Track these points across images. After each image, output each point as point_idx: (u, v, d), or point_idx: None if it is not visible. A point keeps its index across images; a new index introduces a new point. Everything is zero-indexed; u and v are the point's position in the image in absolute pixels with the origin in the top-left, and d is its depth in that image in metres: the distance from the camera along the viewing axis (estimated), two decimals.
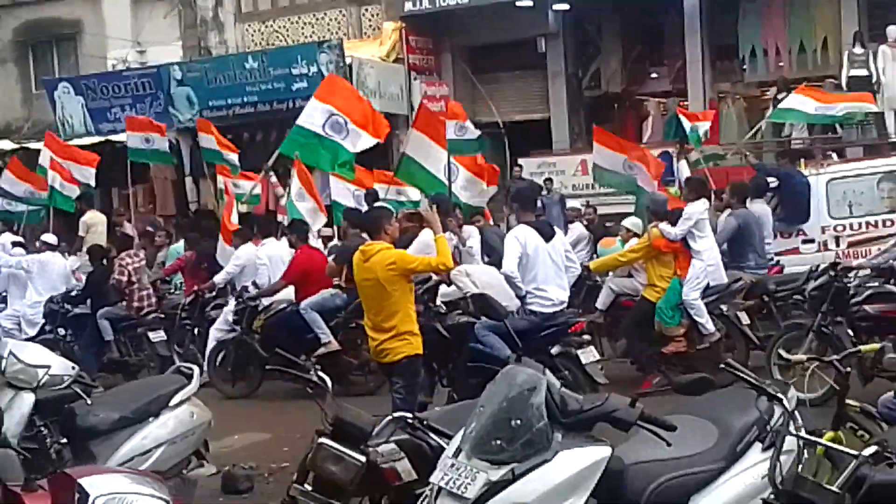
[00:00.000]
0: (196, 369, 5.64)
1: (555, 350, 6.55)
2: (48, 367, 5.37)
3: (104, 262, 9.53)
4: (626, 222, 8.37)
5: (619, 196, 10.94)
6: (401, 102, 14.39)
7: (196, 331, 9.14)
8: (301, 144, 9.76)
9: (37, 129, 16.99)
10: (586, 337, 6.83)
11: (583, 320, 7.09)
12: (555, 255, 6.67)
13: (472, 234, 9.10)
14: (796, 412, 3.27)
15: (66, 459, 5.31)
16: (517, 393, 3.02)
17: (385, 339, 5.49)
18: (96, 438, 5.23)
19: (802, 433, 3.13)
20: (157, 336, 8.91)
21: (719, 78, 14.01)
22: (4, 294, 10.47)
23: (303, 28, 15.88)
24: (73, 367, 5.60)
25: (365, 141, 9.72)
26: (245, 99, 14.40)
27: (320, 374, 4.42)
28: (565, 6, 13.74)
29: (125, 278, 8.85)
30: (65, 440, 5.35)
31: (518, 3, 13.41)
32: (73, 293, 9.79)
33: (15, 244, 11.43)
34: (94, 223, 12.53)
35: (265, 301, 8.32)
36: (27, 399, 5.21)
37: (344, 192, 10.77)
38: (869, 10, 12.66)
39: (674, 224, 7.23)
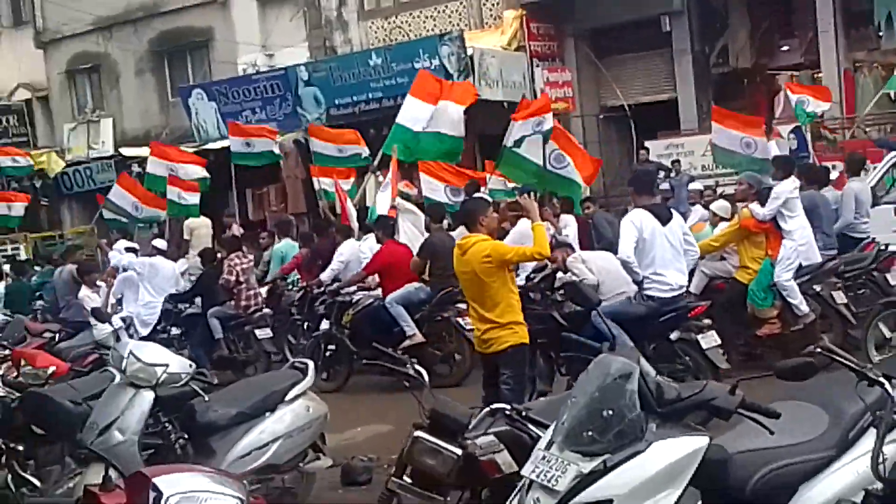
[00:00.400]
0: (311, 364, 5.71)
1: (674, 336, 6.46)
2: (167, 365, 5.46)
3: (214, 263, 10.04)
4: (714, 206, 8.27)
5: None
6: (524, 91, 14.36)
7: (306, 326, 9.43)
8: (400, 140, 10.03)
9: (174, 135, 17.82)
10: (707, 321, 6.65)
11: (704, 304, 6.88)
12: (672, 239, 6.56)
13: (568, 223, 9.20)
14: None
15: (189, 454, 5.47)
16: (610, 382, 2.98)
17: (488, 329, 5.53)
18: (215, 434, 5.40)
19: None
20: (264, 333, 9.22)
21: (854, 47, 13.68)
22: (121, 297, 11.15)
23: (424, 22, 16.00)
24: (191, 365, 5.72)
25: (453, 112, 9.94)
26: (370, 95, 14.73)
27: (417, 367, 4.48)
28: None
29: (233, 278, 9.24)
30: (185, 435, 5.50)
31: None
32: (182, 294, 10.36)
33: (128, 249, 12.11)
34: (196, 227, 13.32)
35: (354, 296, 8.57)
36: (147, 397, 5.33)
37: (434, 188, 11.11)
38: None
39: (763, 204, 7.15)
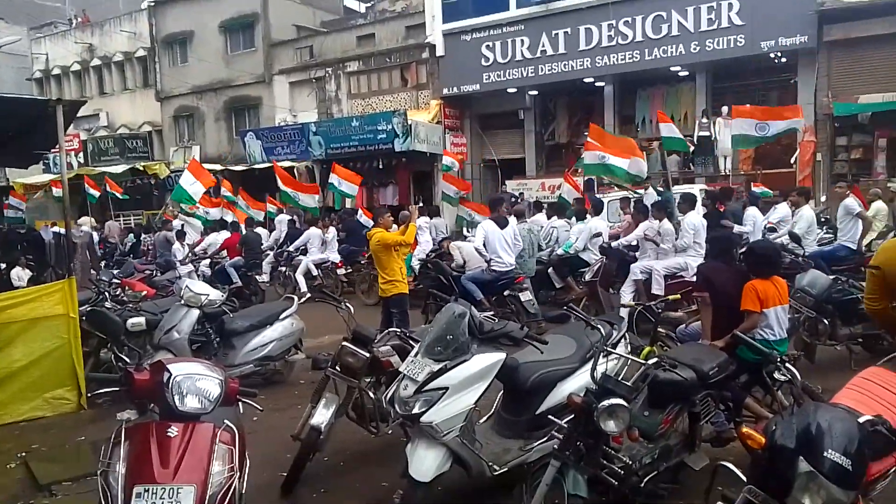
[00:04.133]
0: (296, 298, 7.30)
1: (506, 293, 8.65)
2: (207, 294, 6.70)
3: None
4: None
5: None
6: (439, 146, 19.51)
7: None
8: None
9: (234, 159, 23.67)
10: (525, 285, 8.75)
11: (522, 274, 8.88)
12: (507, 237, 8.64)
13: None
14: (626, 335, 4.43)
15: (218, 348, 6.79)
16: (452, 318, 3.92)
17: (384, 283, 7.32)
18: (236, 336, 6.77)
19: (616, 350, 4.00)
20: (261, 279, 12.41)
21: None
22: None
23: (384, 103, 21.62)
24: (223, 295, 6.93)
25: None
26: (350, 143, 19.82)
27: (346, 304, 5.40)
28: (535, 91, 19.42)
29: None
30: (218, 338, 6.78)
31: (508, 90, 19.21)
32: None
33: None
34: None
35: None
36: (194, 313, 6.54)
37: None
38: (713, 94, 17.54)
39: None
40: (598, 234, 10.27)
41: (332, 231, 13.34)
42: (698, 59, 17.20)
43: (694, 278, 7.70)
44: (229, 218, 15.51)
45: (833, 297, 6.54)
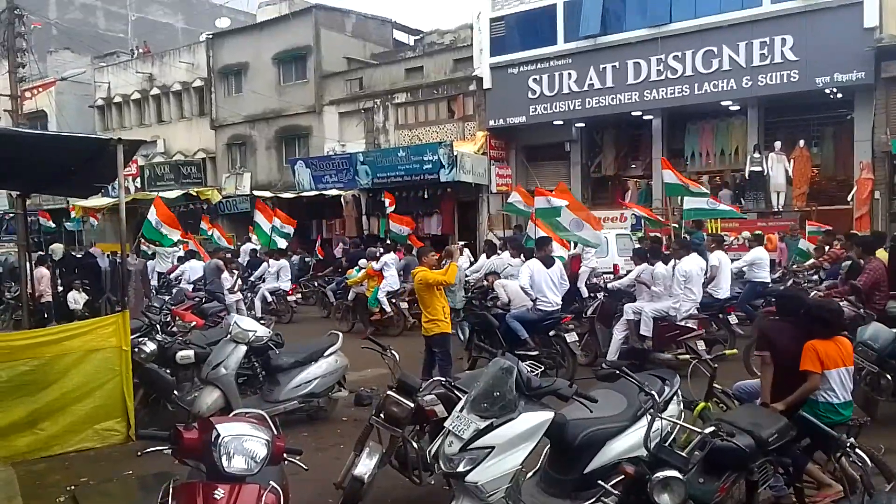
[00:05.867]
0: (341, 335, 7.32)
1: (552, 333, 8.55)
2: (255, 331, 6.78)
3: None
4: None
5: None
6: (484, 177, 20.19)
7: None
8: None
9: (284, 185, 24.01)
10: (570, 325, 8.69)
11: (569, 315, 8.92)
12: (553, 277, 8.67)
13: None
14: (679, 392, 4.31)
15: (263, 383, 6.92)
16: (499, 373, 3.91)
17: (426, 321, 7.27)
18: (281, 372, 6.85)
19: (669, 407, 4.11)
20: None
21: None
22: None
23: (431, 133, 21.92)
24: (270, 330, 6.98)
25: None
26: (397, 173, 20.30)
27: (392, 351, 5.31)
28: (582, 124, 19.55)
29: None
30: (264, 373, 6.95)
31: (554, 122, 19.41)
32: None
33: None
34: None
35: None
36: (241, 349, 6.61)
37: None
38: (765, 129, 17.59)
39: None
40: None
41: (283, 262, 15.36)
42: (750, 94, 16.99)
43: (682, 322, 8.55)
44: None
45: None
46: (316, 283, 17.39)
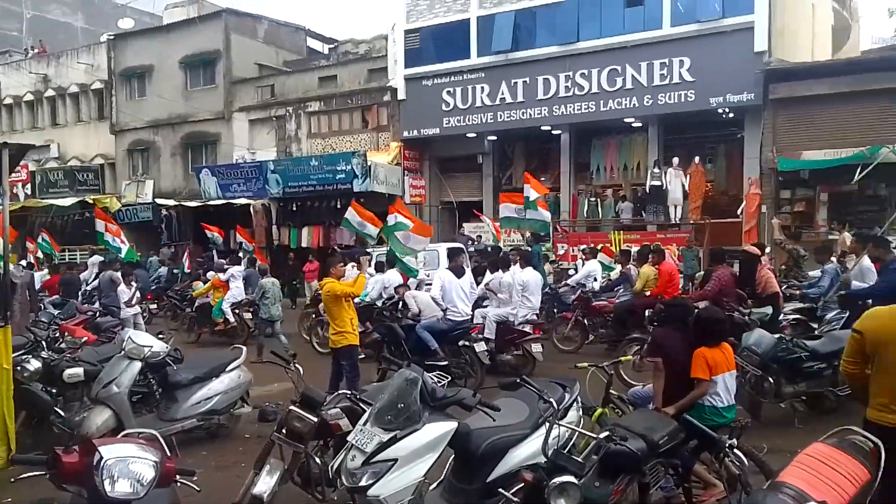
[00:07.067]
0: (244, 349, 7.16)
1: (461, 343, 8.68)
2: (151, 346, 6.40)
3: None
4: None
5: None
6: (398, 188, 20.11)
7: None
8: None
9: (189, 194, 23.34)
10: (479, 335, 8.93)
11: (477, 325, 9.11)
12: (464, 286, 8.84)
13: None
14: (579, 399, 4.44)
15: (161, 400, 6.50)
16: (404, 385, 3.91)
17: (334, 333, 7.15)
18: (179, 389, 6.49)
19: (569, 413, 4.21)
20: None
21: (578, 181, 19.44)
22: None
23: (344, 143, 21.79)
24: (167, 346, 6.59)
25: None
26: (309, 182, 19.87)
27: (296, 365, 5.22)
28: (494, 137, 19.93)
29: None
30: (161, 390, 6.54)
31: (467, 135, 19.70)
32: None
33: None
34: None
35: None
36: (136, 366, 6.24)
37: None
38: (664, 145, 18.32)
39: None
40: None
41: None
42: (651, 112, 17.77)
43: (520, 326, 9.23)
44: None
45: (778, 355, 6.67)
46: (169, 294, 16.59)
